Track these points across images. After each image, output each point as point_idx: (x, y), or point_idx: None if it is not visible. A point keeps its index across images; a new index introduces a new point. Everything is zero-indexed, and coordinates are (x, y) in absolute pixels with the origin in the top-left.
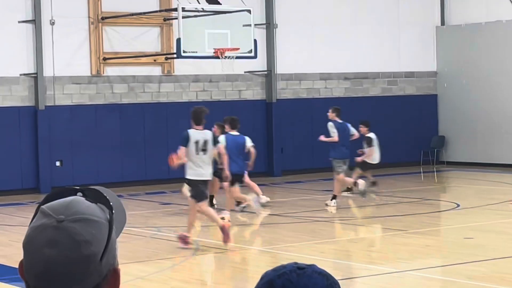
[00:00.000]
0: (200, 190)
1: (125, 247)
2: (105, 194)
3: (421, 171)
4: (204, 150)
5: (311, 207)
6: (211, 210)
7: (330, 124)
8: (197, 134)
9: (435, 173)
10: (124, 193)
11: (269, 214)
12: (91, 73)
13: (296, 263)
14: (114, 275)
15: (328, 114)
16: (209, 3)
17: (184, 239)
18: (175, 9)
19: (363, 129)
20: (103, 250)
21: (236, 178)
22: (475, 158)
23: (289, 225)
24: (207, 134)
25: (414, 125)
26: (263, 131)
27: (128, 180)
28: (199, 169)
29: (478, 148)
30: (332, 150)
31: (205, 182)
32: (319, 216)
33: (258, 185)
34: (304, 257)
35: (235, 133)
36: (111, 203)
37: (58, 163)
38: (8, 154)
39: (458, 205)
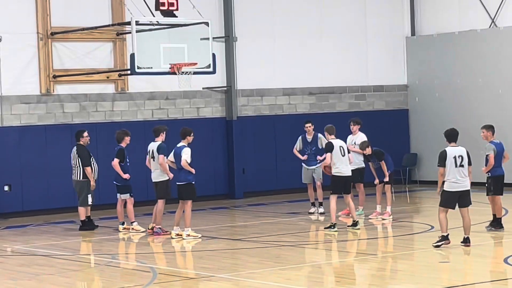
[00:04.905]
0: None
1: (79, 276)
2: None
3: (393, 191)
4: None
5: (275, 231)
6: None
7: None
8: None
9: (408, 193)
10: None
11: (231, 239)
12: (40, 92)
13: None
14: None
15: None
16: (164, 16)
17: None
18: (129, 23)
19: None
20: None
21: None
22: None
23: (252, 251)
24: None
25: (384, 142)
26: (223, 151)
27: None
28: None
29: None
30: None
31: None
32: (284, 240)
33: (219, 208)
34: (269, 284)
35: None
36: None
37: (6, 188)
38: None
39: (432, 227)
